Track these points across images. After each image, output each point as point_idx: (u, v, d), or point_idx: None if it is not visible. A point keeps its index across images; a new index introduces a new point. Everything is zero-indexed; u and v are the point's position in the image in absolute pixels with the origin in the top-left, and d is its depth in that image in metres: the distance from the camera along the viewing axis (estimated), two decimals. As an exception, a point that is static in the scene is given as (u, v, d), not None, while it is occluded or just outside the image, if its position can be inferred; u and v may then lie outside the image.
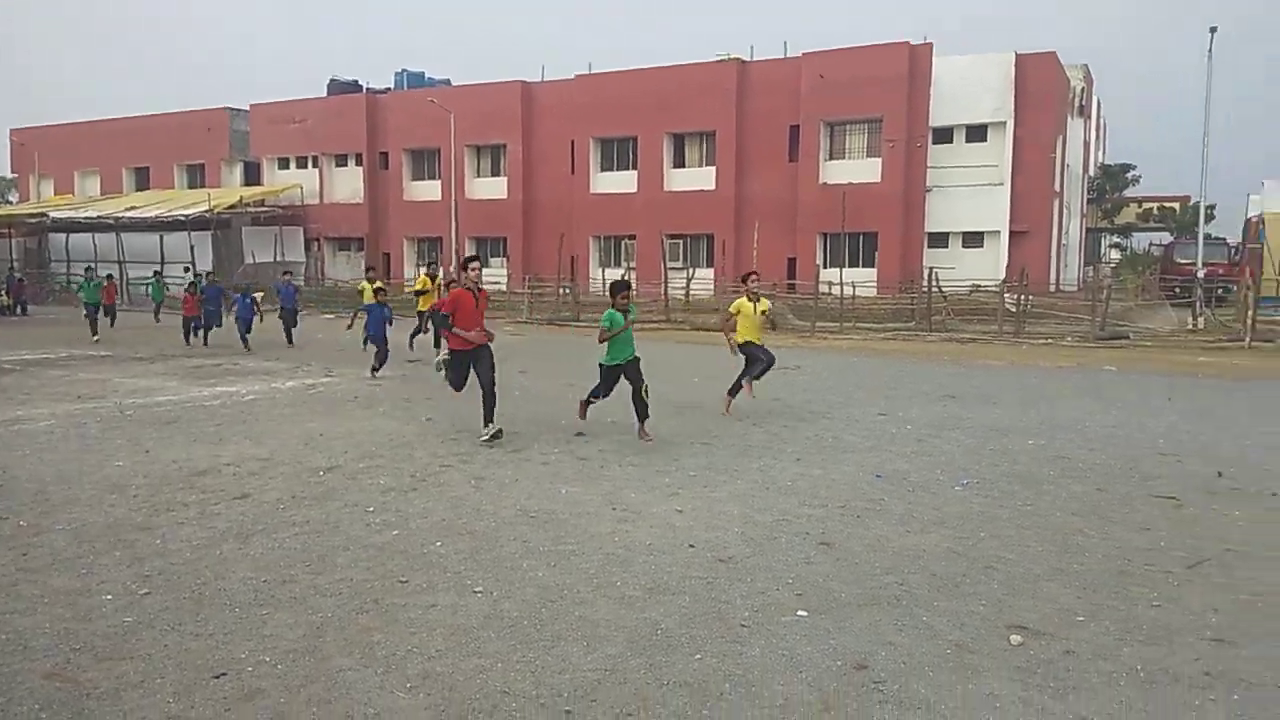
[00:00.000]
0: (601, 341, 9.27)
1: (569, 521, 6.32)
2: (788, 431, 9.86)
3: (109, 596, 4.84)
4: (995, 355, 19.17)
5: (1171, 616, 4.76)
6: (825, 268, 35.16)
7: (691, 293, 32.34)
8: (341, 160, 47.25)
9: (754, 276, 11.13)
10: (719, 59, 39.34)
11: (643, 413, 9.18)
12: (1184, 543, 6.08)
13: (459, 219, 40.55)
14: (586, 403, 9.75)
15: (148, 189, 50.59)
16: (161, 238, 41.82)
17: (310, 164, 47.78)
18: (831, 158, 38.34)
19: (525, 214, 42.83)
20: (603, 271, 39.34)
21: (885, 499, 7.06)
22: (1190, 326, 24.11)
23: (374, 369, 14.12)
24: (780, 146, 38.48)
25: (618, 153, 41.81)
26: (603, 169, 41.96)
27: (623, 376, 9.27)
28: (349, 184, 47.01)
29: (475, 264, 9.34)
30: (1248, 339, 21.04)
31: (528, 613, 4.65)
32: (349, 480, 7.50)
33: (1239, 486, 7.65)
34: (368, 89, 48.12)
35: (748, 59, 39.35)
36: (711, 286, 35.64)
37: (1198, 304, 25.34)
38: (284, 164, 48.94)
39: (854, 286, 29.24)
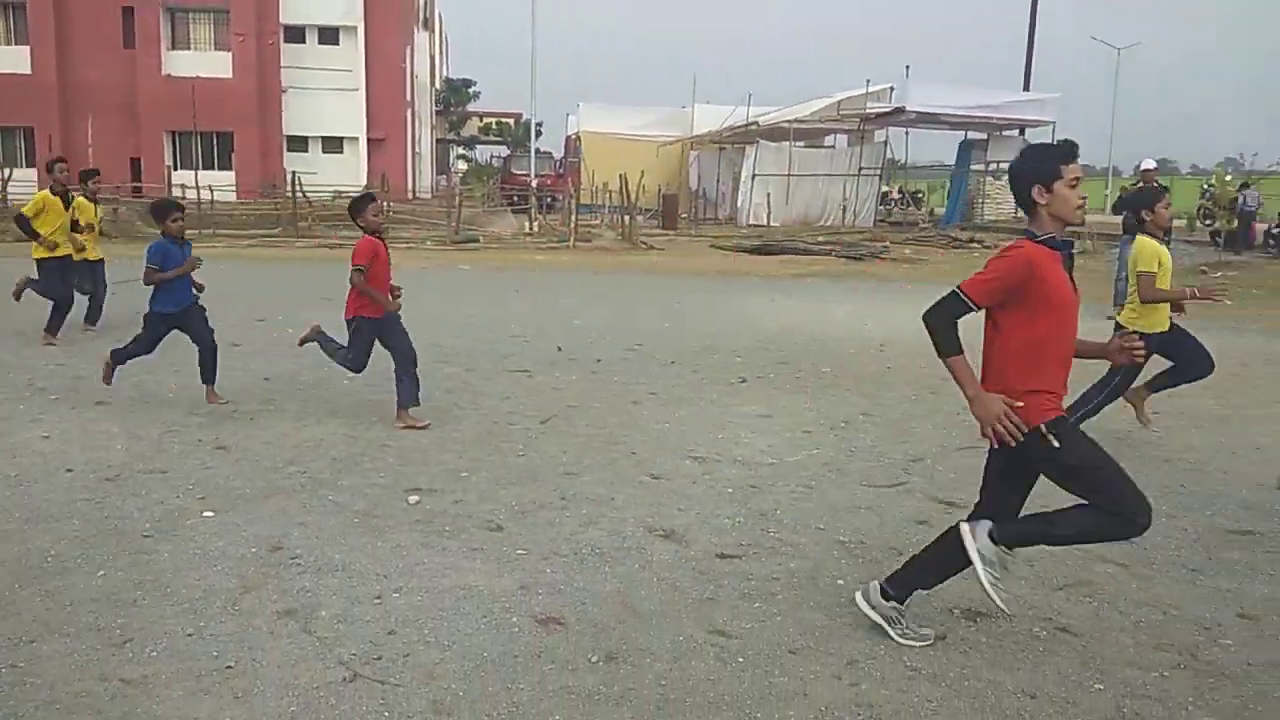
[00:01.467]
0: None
1: (-108, 467, 5.35)
2: (164, 343, 9.17)
3: None
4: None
5: (533, 461, 5.86)
6: (177, 170, 32.44)
7: (10, 198, 27.18)
8: None
9: (1164, 202, 6.46)
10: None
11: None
12: (537, 404, 7.39)
13: None
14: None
15: None
16: None
17: None
18: (175, 47, 35.22)
19: None
20: None
21: (277, 398, 7.24)
22: (528, 230, 27.48)
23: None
24: (113, 29, 34.08)
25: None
26: None
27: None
28: None
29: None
30: (572, 240, 24.87)
31: None
32: None
33: (574, 358, 9.33)
34: None
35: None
36: (35, 188, 30.24)
37: (532, 210, 29.22)
38: None
39: (211, 190, 27.40)
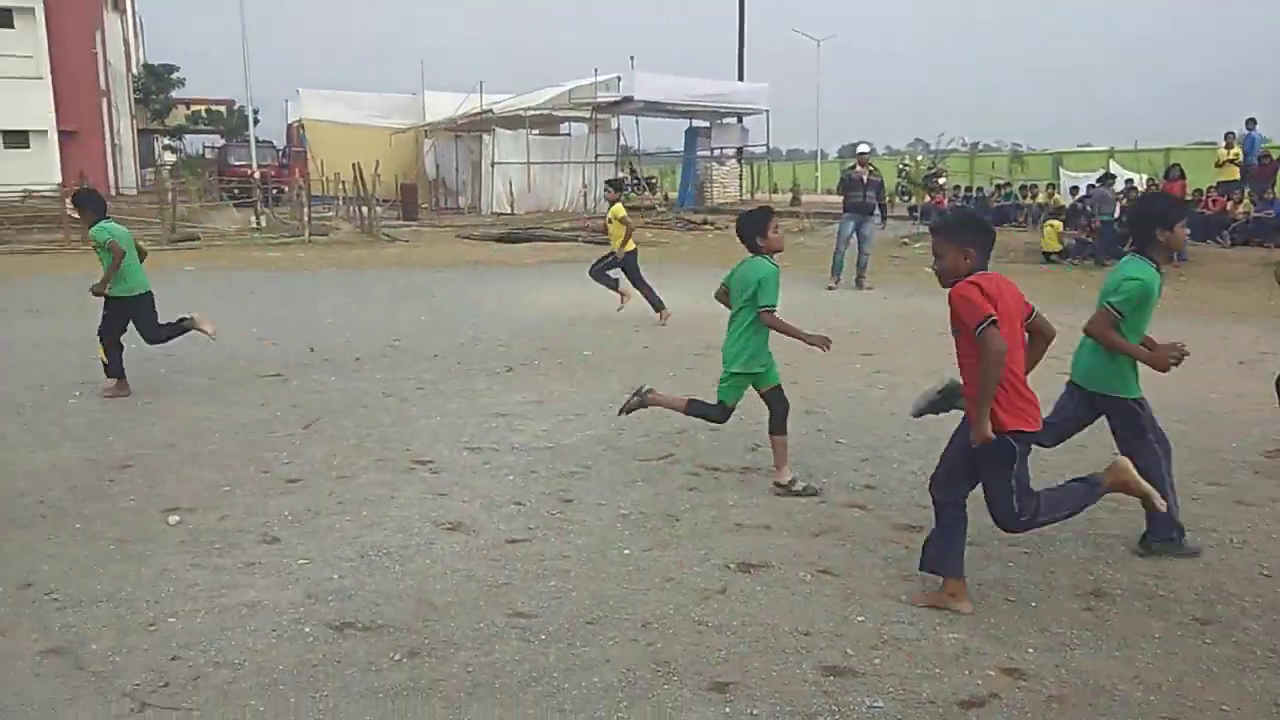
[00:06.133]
0: None
1: None
2: None
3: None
4: (69, 266, 16.82)
5: (301, 468, 5.63)
6: None
7: None
8: None
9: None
10: None
11: None
12: (296, 409, 7.04)
13: None
14: None
15: None
16: None
17: None
18: None
19: None
20: None
21: None
22: (255, 225, 24.98)
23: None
24: None
25: None
26: None
27: None
28: None
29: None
30: (306, 234, 22.81)
31: None
32: None
33: (329, 358, 8.95)
34: None
35: None
36: None
37: (258, 204, 27.06)
38: None
39: None
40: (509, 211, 29.70)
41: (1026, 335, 3.76)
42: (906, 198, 30.32)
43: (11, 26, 33.35)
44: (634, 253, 11.20)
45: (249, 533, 4.63)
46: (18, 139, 33.76)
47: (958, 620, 3.70)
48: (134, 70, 51.13)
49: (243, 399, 7.38)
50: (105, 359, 7.38)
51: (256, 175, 30.98)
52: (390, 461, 5.75)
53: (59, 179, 29.57)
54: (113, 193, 33.69)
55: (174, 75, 56.13)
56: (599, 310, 11.68)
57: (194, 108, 59.08)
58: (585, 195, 31.34)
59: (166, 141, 58.89)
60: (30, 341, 7.79)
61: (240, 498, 5.13)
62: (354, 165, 25.88)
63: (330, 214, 27.42)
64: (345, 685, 3.23)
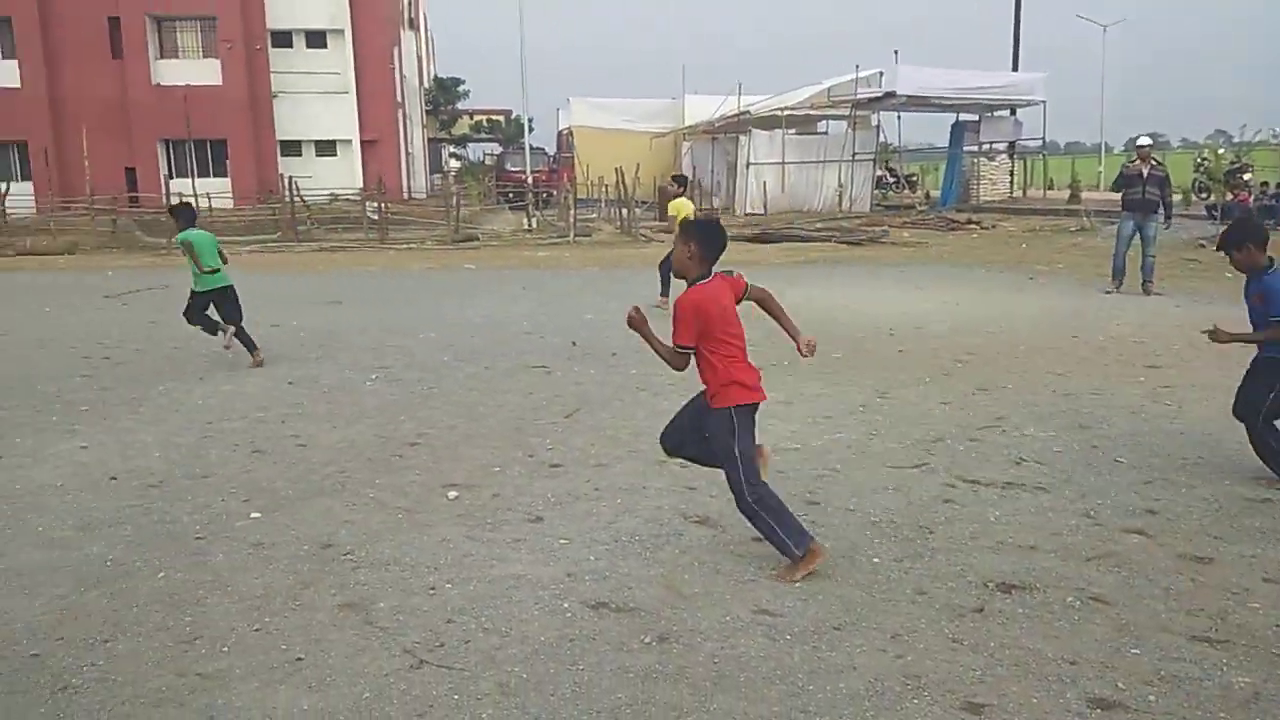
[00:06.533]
0: None
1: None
2: (181, 354, 9.55)
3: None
4: (367, 262, 19.84)
5: (563, 454, 5.94)
6: (173, 178, 32.19)
7: (7, 211, 26.19)
8: None
9: None
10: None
11: None
12: (559, 399, 7.42)
13: None
14: None
15: None
16: None
17: None
18: (164, 56, 35.31)
19: None
20: None
21: (304, 402, 7.41)
22: (526, 227, 26.18)
23: None
24: (99, 39, 34.09)
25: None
26: None
27: None
28: None
29: None
30: (572, 235, 23.98)
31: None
32: None
33: (589, 352, 9.35)
34: None
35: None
36: (33, 202, 30.31)
37: (530, 207, 27.77)
38: None
39: (209, 198, 27.06)
40: (762, 212, 29.28)
41: (760, 306, 4.38)
42: (1205, 195, 27.95)
43: (324, 46, 37.29)
44: None
45: (516, 511, 4.95)
46: (327, 148, 37.59)
47: (1249, 662, 3.37)
48: (425, 83, 56.24)
49: (512, 388, 7.90)
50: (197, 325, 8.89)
51: (529, 180, 33.13)
52: (642, 453, 5.89)
53: (360, 184, 33.43)
54: (405, 196, 37.45)
55: (460, 88, 61.90)
56: (851, 312, 11.53)
57: (476, 117, 64.89)
58: (841, 195, 30.76)
59: (451, 149, 63.68)
60: (328, 330, 8.88)
61: (509, 478, 5.50)
62: (616, 169, 26.68)
63: (593, 216, 28.74)
64: (599, 661, 3.39)
